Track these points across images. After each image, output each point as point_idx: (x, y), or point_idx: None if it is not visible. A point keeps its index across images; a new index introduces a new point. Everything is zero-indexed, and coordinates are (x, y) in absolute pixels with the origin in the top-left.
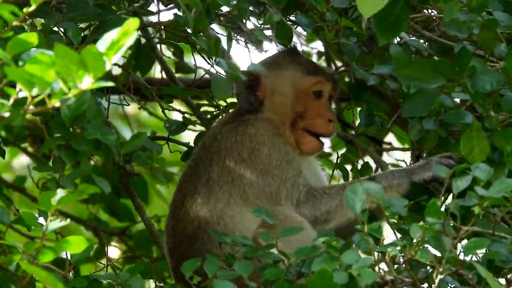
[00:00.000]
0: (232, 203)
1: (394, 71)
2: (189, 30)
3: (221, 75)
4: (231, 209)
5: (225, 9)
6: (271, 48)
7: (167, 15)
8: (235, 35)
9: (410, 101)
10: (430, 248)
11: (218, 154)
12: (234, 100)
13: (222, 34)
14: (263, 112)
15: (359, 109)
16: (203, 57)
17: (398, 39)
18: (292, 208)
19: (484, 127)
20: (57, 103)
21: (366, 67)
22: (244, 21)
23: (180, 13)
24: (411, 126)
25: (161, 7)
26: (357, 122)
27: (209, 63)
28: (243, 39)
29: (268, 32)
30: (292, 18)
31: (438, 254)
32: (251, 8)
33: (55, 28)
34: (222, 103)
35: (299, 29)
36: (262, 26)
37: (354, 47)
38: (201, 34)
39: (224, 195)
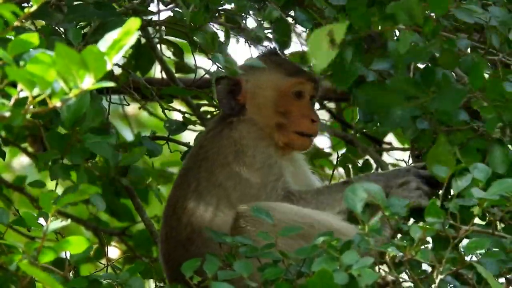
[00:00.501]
0: (221, 206)
1: (392, 68)
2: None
3: (222, 71)
4: (222, 212)
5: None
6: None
7: (167, 15)
8: (235, 34)
9: (386, 115)
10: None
11: (206, 160)
12: None
13: (221, 30)
14: (245, 116)
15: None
16: (206, 55)
17: (398, 33)
18: None
19: (452, 141)
20: (58, 103)
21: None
22: (243, 18)
23: (178, 10)
24: (406, 126)
25: (161, 7)
26: (356, 120)
27: (209, 58)
28: (242, 37)
29: (267, 30)
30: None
31: None
32: (249, 5)
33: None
34: None
35: (299, 28)
36: (262, 22)
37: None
38: (198, 30)
39: (213, 199)
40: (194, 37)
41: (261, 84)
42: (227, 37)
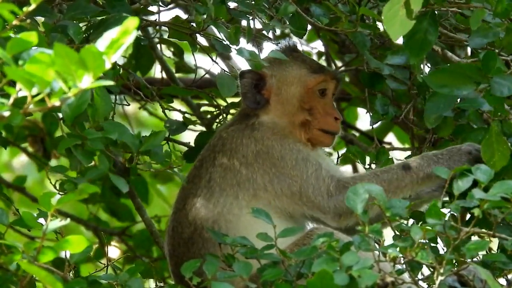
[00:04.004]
0: (234, 205)
1: (406, 62)
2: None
3: (225, 72)
4: (228, 213)
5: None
6: (272, 46)
7: (167, 15)
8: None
9: (431, 99)
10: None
11: (222, 155)
12: (235, 100)
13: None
14: (269, 111)
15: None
16: (209, 54)
17: None
18: (324, 202)
19: (503, 131)
20: (57, 102)
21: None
22: (251, 17)
23: (182, 13)
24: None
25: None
26: (358, 121)
27: (213, 60)
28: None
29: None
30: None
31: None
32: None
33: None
34: (222, 103)
35: None
36: (279, 17)
37: (365, 38)
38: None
39: (228, 198)
40: (201, 34)
41: (287, 79)
42: (236, 37)
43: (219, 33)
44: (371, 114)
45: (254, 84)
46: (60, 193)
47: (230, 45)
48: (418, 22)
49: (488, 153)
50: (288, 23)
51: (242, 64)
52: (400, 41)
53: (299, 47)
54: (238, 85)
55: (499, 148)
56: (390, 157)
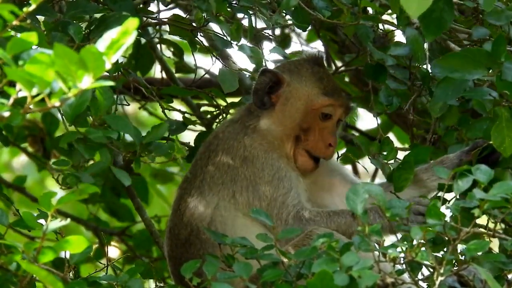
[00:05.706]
0: (221, 206)
1: (409, 53)
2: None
3: (227, 67)
4: (220, 215)
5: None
6: (272, 45)
7: (167, 15)
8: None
9: (440, 87)
10: None
11: (215, 154)
12: (235, 100)
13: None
14: (271, 116)
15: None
16: (210, 52)
17: (416, 20)
18: (280, 228)
19: None
20: (57, 103)
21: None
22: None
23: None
24: (434, 103)
25: (161, 7)
26: (358, 121)
27: (214, 56)
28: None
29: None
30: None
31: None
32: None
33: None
34: (222, 103)
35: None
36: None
37: (369, 30)
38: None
39: (213, 198)
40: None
41: (298, 93)
42: (238, 33)
43: (221, 29)
44: (374, 105)
45: (270, 85)
46: (62, 187)
47: (232, 42)
48: (434, 2)
49: (499, 139)
50: (290, 17)
51: (242, 63)
52: (402, 39)
53: (299, 47)
54: (240, 79)
55: (510, 134)
56: (394, 146)
